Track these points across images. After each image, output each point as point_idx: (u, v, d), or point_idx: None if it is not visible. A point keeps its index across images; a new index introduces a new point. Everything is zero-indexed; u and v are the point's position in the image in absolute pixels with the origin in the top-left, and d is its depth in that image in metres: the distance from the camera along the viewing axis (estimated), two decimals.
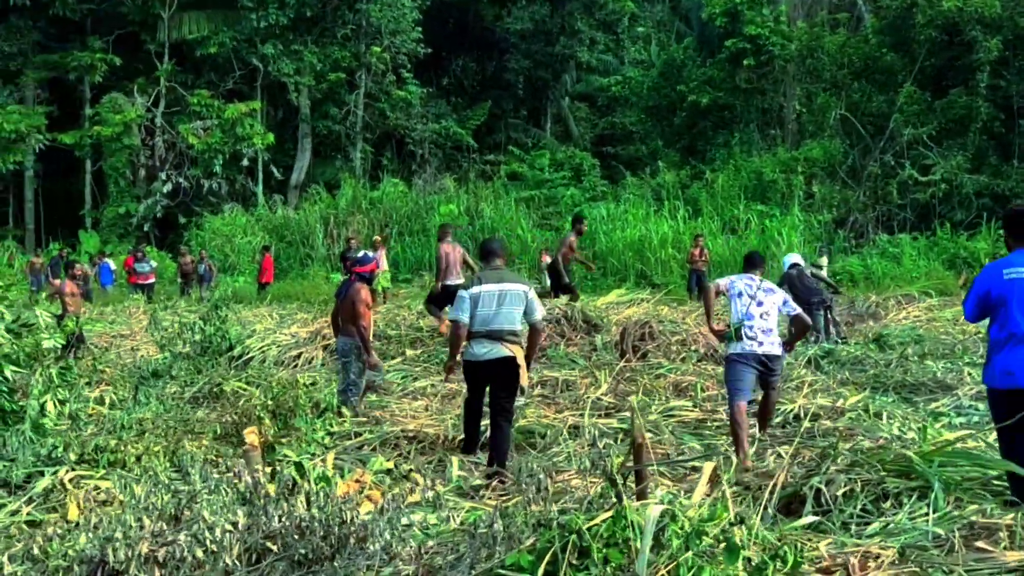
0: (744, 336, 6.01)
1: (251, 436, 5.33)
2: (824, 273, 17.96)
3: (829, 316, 12.31)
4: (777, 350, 6.11)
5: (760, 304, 6.09)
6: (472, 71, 40.19)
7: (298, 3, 29.75)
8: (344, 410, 6.86)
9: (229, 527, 3.75)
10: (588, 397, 7.87)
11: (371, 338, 7.54)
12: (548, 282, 19.24)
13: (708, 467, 4.40)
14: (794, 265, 12.28)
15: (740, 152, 26.97)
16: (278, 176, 30.43)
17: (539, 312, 6.15)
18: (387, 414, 7.31)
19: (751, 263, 6.55)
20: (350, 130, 32.09)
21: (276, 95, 32.40)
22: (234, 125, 28.92)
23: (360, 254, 8.18)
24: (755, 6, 26.82)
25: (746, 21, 26.69)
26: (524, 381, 5.95)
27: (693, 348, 10.22)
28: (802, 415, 7.14)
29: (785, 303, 6.30)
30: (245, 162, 29.33)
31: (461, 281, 11.25)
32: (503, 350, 5.85)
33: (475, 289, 5.95)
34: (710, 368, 9.67)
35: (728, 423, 6.35)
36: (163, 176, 29.43)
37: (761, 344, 6.02)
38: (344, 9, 30.95)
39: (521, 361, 5.89)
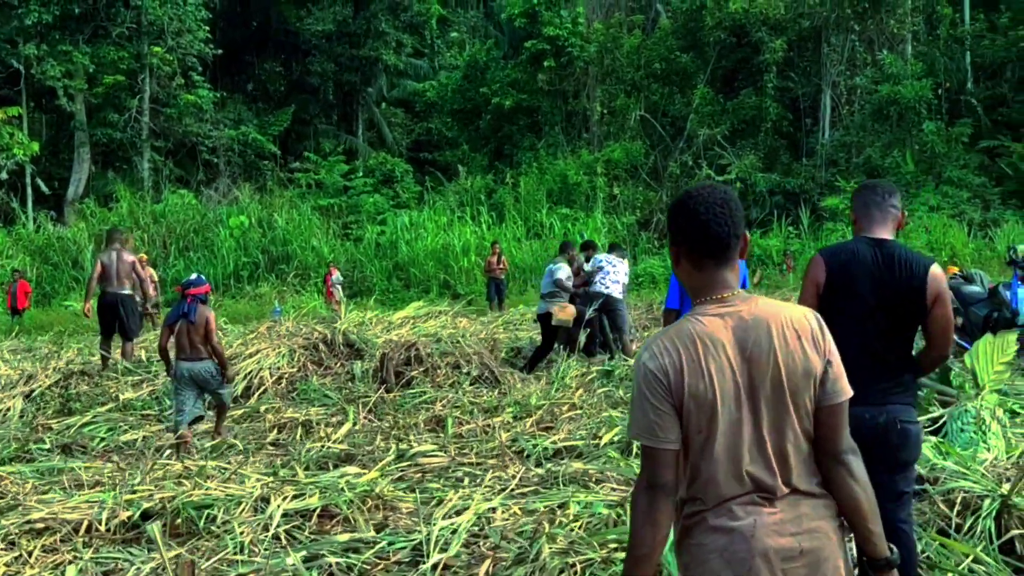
0: None
1: None
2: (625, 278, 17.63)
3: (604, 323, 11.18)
4: None
5: None
6: (277, 75, 38.19)
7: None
8: None
9: None
10: (319, 447, 6.70)
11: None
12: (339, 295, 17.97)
13: None
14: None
15: (546, 155, 26.65)
16: (45, 190, 27.36)
17: None
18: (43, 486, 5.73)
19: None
20: (135, 138, 29.37)
21: (46, 100, 29.23)
22: None
23: (193, 276, 7.90)
24: (553, 7, 26.55)
25: (544, 22, 26.40)
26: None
27: (466, 371, 9.27)
28: (554, 451, 6.28)
29: None
30: (4, 175, 26.13)
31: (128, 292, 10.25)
32: None
33: None
34: (484, 393, 8.76)
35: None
36: None
37: None
38: (119, 6, 28.26)
39: None
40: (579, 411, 7.74)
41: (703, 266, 2.20)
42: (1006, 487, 4.20)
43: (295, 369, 9.49)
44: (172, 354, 7.42)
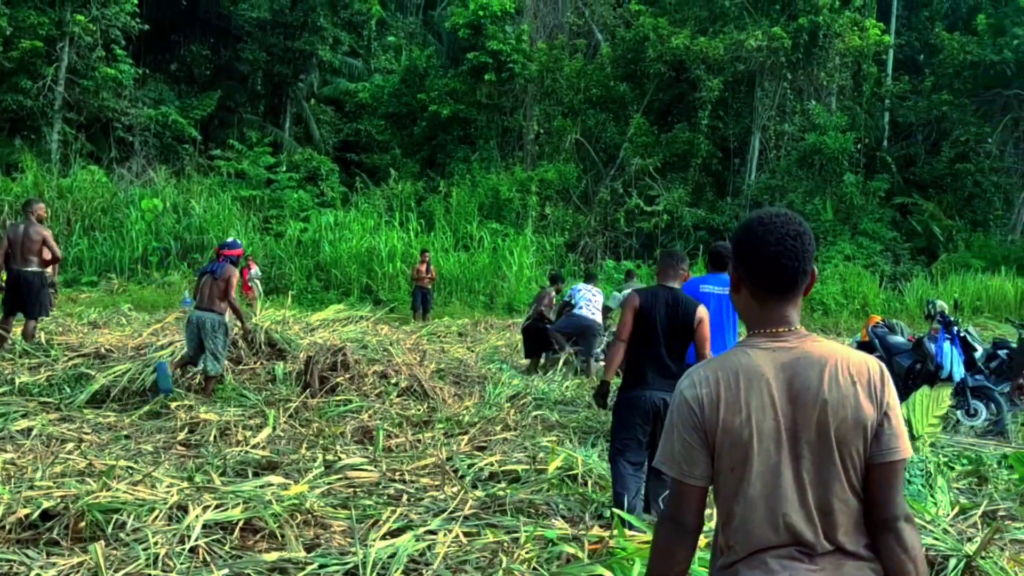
0: None
1: None
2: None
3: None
4: None
5: None
6: (204, 58, 36.92)
7: None
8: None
9: None
10: (237, 451, 6.22)
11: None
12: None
13: None
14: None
15: (479, 168, 26.42)
16: None
17: None
18: None
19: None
20: (47, 108, 27.79)
21: None
22: None
23: (229, 239, 9.34)
24: (498, 21, 26.43)
25: (489, 35, 26.23)
26: None
27: (393, 382, 8.87)
28: (490, 475, 5.98)
29: None
30: None
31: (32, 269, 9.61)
32: None
33: None
34: (412, 406, 8.39)
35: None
36: None
37: None
38: None
39: None
40: (514, 432, 7.46)
41: (764, 300, 1.98)
42: (969, 546, 4.11)
43: (203, 378, 8.93)
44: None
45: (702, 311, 5.17)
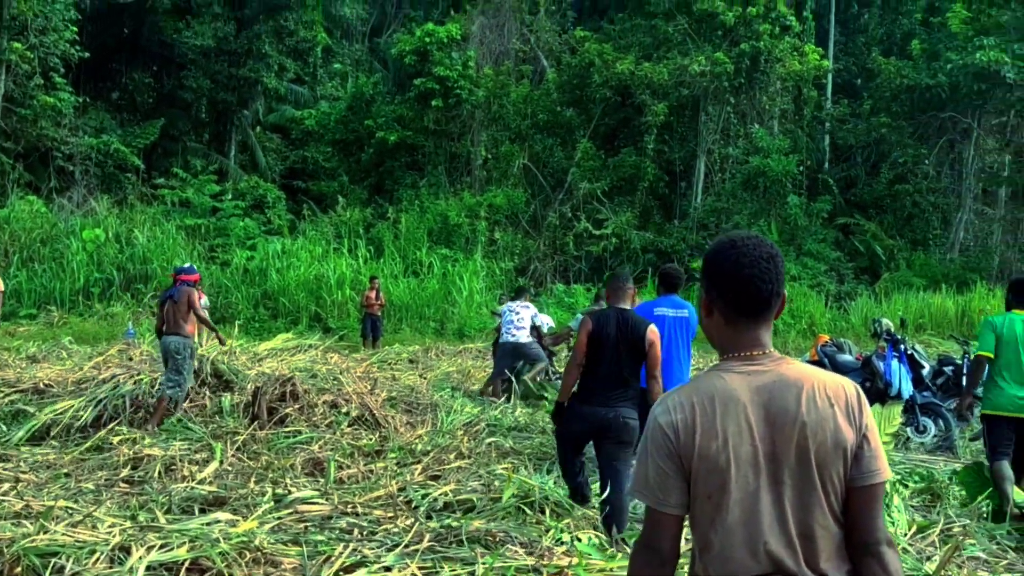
0: None
1: None
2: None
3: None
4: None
5: None
6: (147, 86, 36.37)
7: None
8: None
9: None
10: (183, 487, 6.01)
11: None
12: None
13: None
14: None
15: (427, 194, 26.35)
16: None
17: None
18: None
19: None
20: None
21: None
22: None
23: (186, 265, 9.92)
24: (444, 48, 26.51)
25: (435, 62, 26.29)
26: None
27: (344, 411, 8.70)
28: (444, 503, 5.86)
29: None
30: None
31: None
32: None
33: None
34: (364, 436, 8.22)
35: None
36: None
37: None
38: None
39: None
40: (468, 460, 7.34)
41: (737, 323, 1.94)
42: (929, 565, 4.12)
43: (155, 399, 8.68)
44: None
45: (653, 332, 5.43)
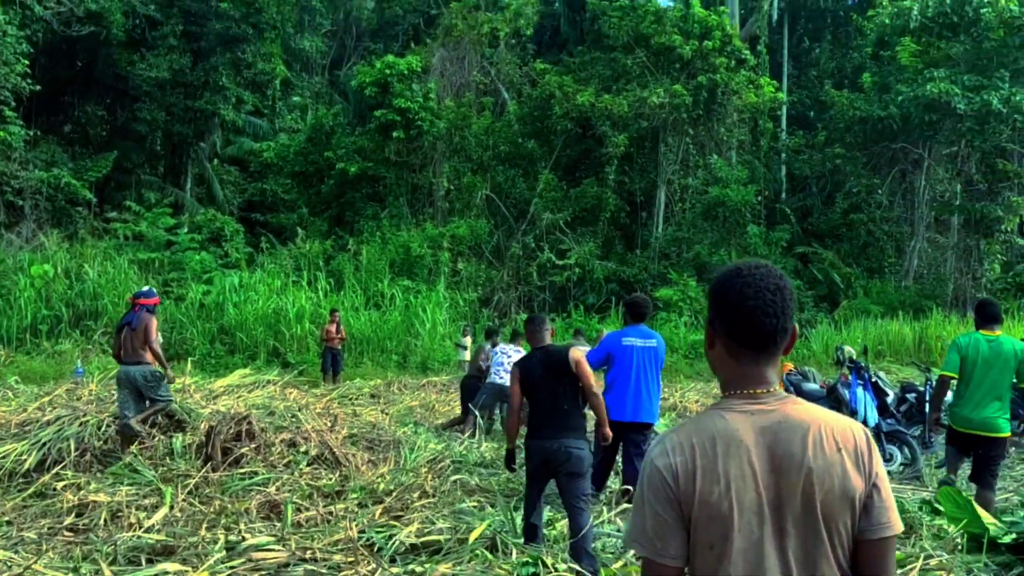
0: None
1: None
2: (467, 355, 17.26)
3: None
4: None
5: None
6: (99, 119, 35.83)
7: None
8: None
9: None
10: (129, 536, 5.69)
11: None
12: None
13: None
14: None
15: (389, 225, 26.12)
16: None
17: None
18: None
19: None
20: None
21: None
22: None
23: (145, 288, 8.97)
24: (405, 80, 26.46)
25: (396, 93, 26.21)
26: None
27: (303, 450, 8.40)
28: (409, 545, 5.61)
29: None
30: None
31: None
32: None
33: None
34: (323, 475, 7.93)
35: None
36: None
37: None
38: None
39: None
40: (432, 499, 7.10)
41: (740, 357, 1.80)
42: None
43: (102, 442, 8.31)
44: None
45: (575, 352, 5.67)
